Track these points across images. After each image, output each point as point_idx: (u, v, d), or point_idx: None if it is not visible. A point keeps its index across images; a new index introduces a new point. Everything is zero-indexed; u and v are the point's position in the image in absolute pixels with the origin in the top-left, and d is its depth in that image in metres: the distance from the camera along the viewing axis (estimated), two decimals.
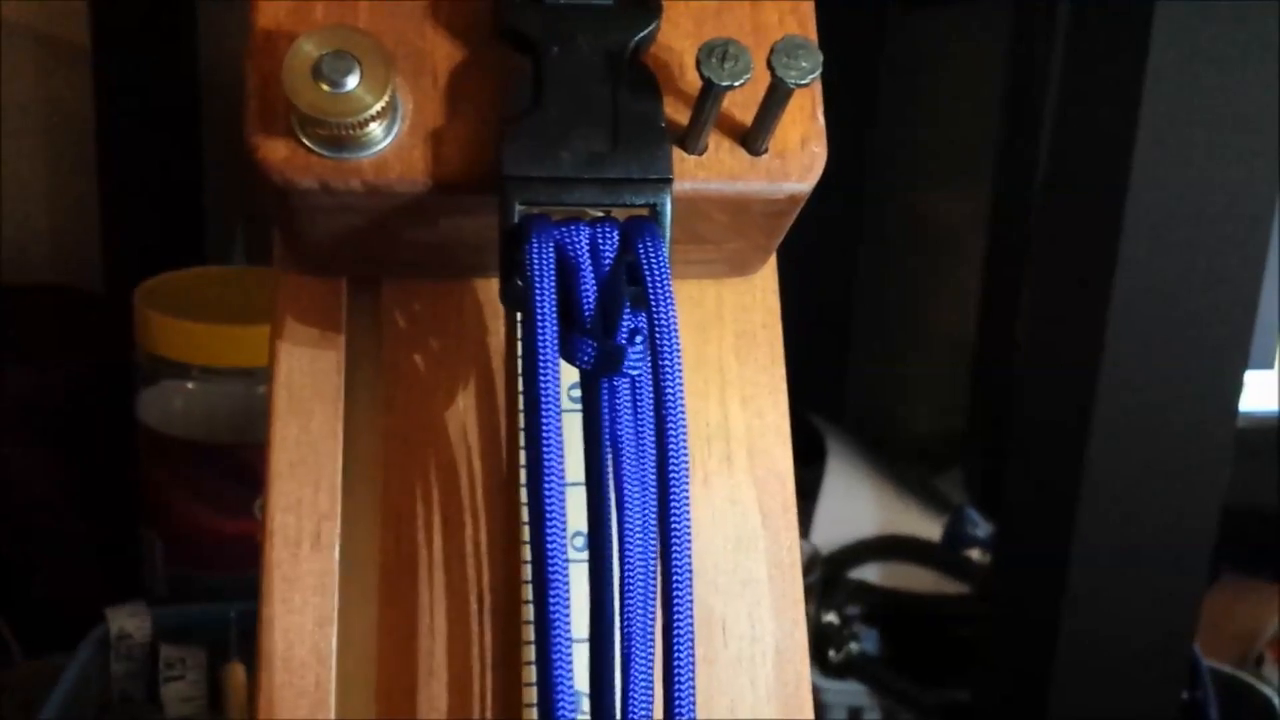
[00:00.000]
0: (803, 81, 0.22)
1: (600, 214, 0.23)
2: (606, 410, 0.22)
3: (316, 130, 0.22)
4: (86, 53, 0.80)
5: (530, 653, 0.24)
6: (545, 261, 0.22)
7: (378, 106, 0.22)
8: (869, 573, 0.73)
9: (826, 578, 0.71)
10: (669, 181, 0.23)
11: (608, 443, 0.22)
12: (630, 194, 0.22)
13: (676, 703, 0.21)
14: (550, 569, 0.21)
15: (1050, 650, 0.53)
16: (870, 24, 0.88)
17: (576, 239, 0.22)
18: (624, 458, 0.22)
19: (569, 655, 0.21)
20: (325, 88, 0.22)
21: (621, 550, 0.22)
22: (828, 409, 0.87)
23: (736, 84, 0.22)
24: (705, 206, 0.24)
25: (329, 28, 0.22)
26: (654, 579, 0.22)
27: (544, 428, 0.21)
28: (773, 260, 0.27)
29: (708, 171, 0.23)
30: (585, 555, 0.23)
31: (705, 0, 0.24)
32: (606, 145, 0.22)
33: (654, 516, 0.22)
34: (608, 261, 0.22)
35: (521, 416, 0.22)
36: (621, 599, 0.22)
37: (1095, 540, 0.52)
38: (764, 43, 0.23)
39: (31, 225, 0.85)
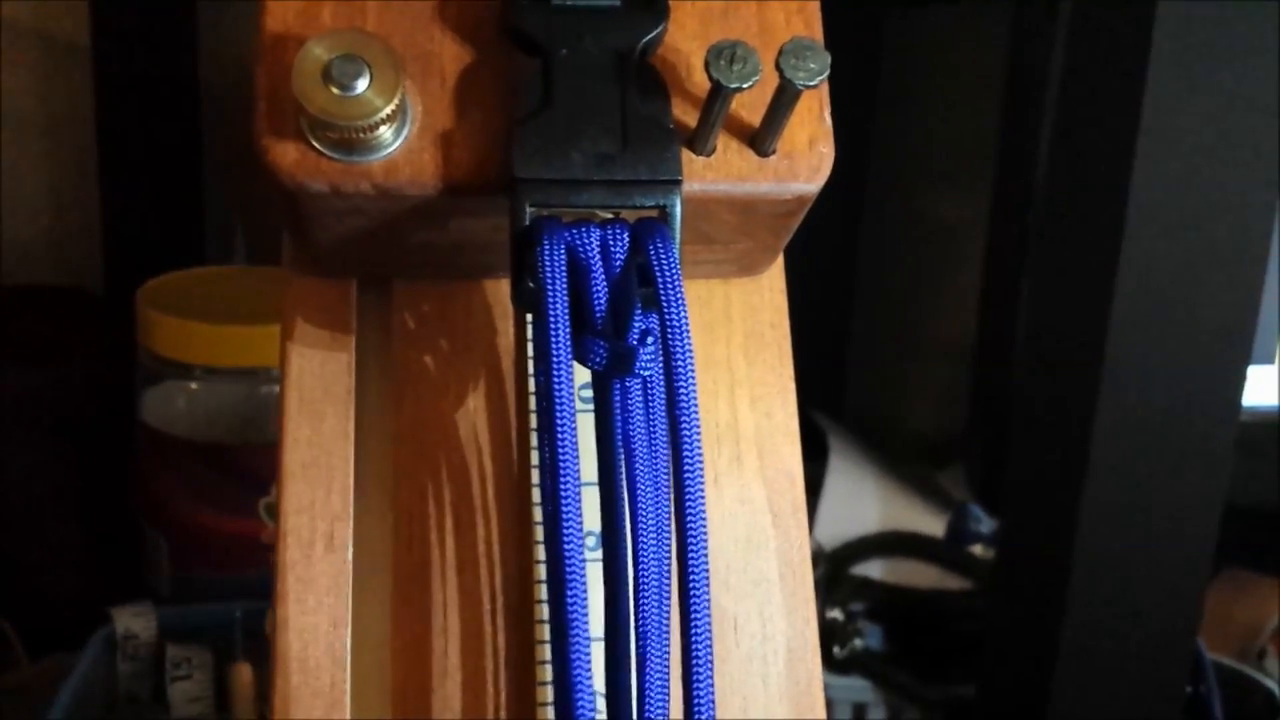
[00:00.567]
0: (811, 83, 0.22)
1: (610, 215, 0.23)
2: (619, 411, 0.23)
3: (326, 133, 0.22)
4: (86, 53, 0.80)
5: (544, 652, 0.25)
6: (557, 263, 0.22)
7: (387, 110, 0.22)
8: (872, 569, 0.73)
9: (830, 574, 0.71)
10: (678, 183, 0.23)
11: (620, 443, 0.23)
12: (640, 195, 0.23)
13: (696, 702, 0.21)
14: (568, 568, 0.21)
15: (1053, 645, 0.53)
16: (870, 24, 0.88)
17: (587, 240, 0.22)
18: (636, 458, 0.22)
19: (588, 655, 0.21)
20: (335, 91, 0.22)
21: (636, 550, 0.22)
22: (828, 407, 0.87)
23: (745, 86, 0.22)
24: (714, 207, 0.24)
25: (338, 31, 0.22)
26: (668, 578, 0.22)
27: (559, 428, 0.21)
28: (780, 260, 0.28)
29: (716, 173, 0.24)
30: (599, 555, 0.23)
31: (711, 1, 0.24)
32: (615, 147, 0.23)
33: (667, 516, 0.22)
34: (618, 263, 0.22)
35: (534, 417, 0.22)
36: (636, 598, 0.22)
37: (1098, 535, 0.52)
38: (771, 44, 0.23)
39: (32, 225, 0.85)
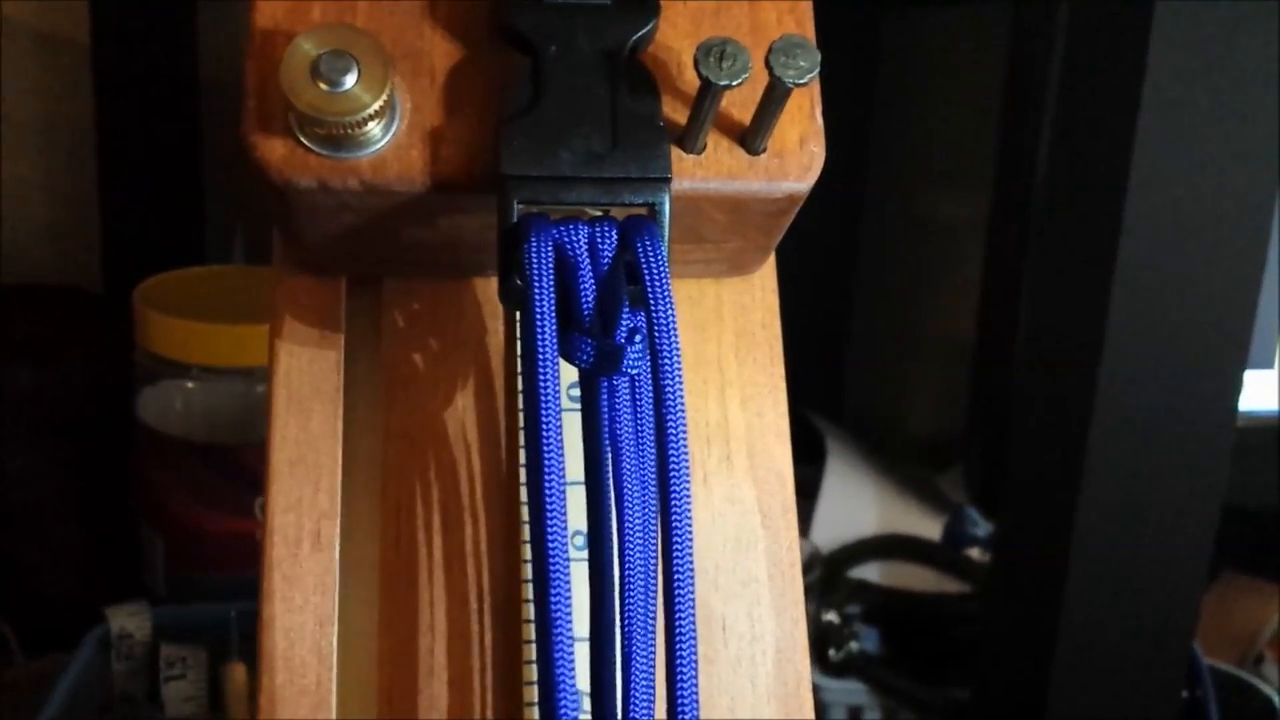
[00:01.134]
0: (801, 81, 0.22)
1: (599, 213, 0.23)
2: (606, 409, 0.22)
3: (315, 129, 0.22)
4: (86, 52, 0.80)
5: (531, 652, 0.24)
6: (544, 260, 0.22)
7: (376, 106, 0.22)
8: (869, 572, 0.73)
9: (826, 577, 0.71)
10: (667, 181, 0.23)
11: (607, 442, 0.22)
12: (629, 193, 0.22)
13: (680, 702, 0.21)
14: (551, 568, 0.21)
15: (1050, 649, 0.53)
16: (869, 24, 0.88)
17: (575, 238, 0.22)
18: (623, 457, 0.22)
19: (571, 654, 0.21)
20: (323, 87, 0.22)
21: (621, 549, 0.22)
22: (827, 408, 0.87)
23: (735, 83, 0.22)
24: (704, 206, 0.24)
25: (327, 27, 0.22)
26: (654, 578, 0.22)
27: (544, 426, 0.21)
28: (772, 260, 0.27)
29: (706, 171, 0.24)
30: (585, 554, 0.23)
31: (703, 0, 0.24)
32: (605, 144, 0.22)
33: (654, 515, 0.22)
34: (606, 260, 0.22)
35: (521, 416, 0.22)
36: (622, 598, 0.22)
37: (1095, 539, 0.52)
38: (762, 42, 0.23)
39: (31, 224, 0.85)
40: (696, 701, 0.21)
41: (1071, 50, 0.52)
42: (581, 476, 0.23)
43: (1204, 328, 0.50)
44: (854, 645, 0.66)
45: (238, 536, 0.62)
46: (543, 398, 0.21)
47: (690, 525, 0.22)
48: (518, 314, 0.23)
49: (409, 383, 0.26)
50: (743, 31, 0.24)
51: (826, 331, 0.93)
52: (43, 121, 0.84)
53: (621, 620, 0.22)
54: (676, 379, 0.22)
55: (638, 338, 0.22)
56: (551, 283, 0.22)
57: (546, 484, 0.21)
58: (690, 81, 0.23)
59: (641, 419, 0.23)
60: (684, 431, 0.22)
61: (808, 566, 0.69)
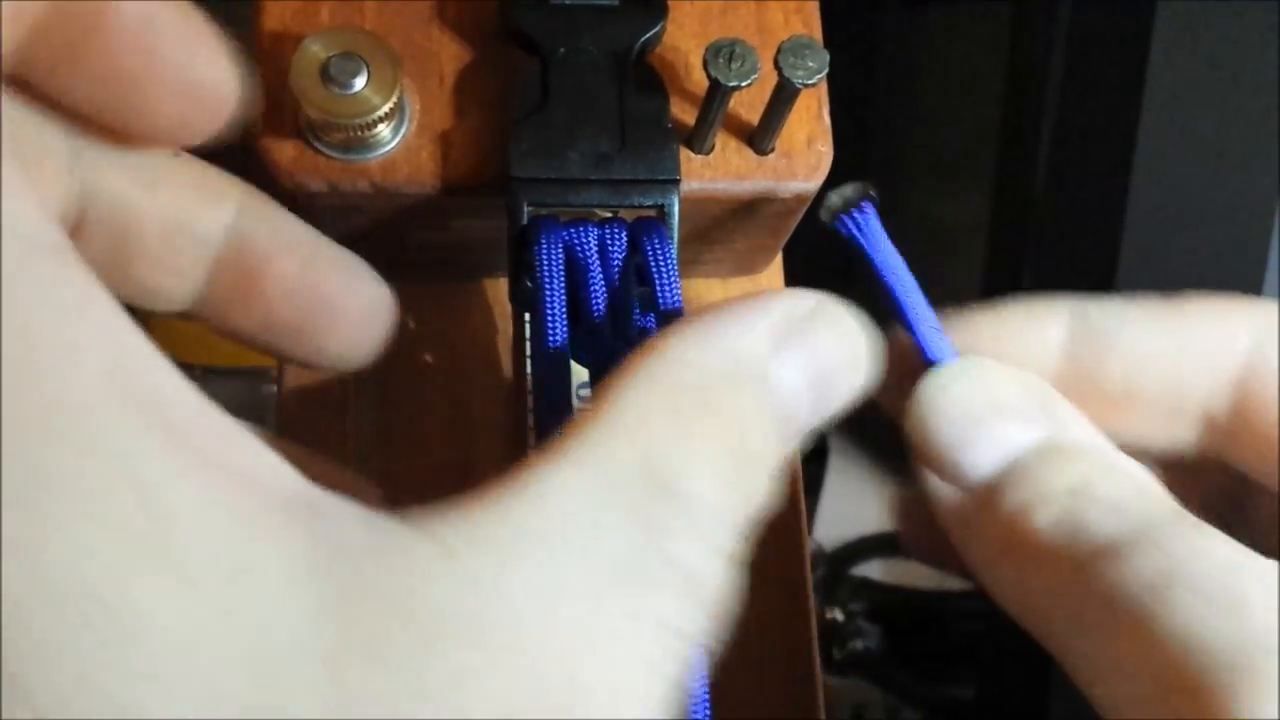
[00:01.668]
0: (810, 81, 0.22)
1: (608, 214, 0.23)
2: None
3: (324, 132, 0.22)
4: None
5: None
6: (555, 262, 0.22)
7: (385, 108, 0.22)
8: (872, 569, 0.73)
9: (829, 574, 0.71)
10: (676, 182, 0.23)
11: None
12: (638, 195, 0.23)
13: (689, 701, 0.21)
14: None
15: None
16: (869, 24, 0.88)
17: (585, 240, 0.22)
18: None
19: None
20: (333, 89, 0.22)
21: None
22: None
23: (743, 84, 0.22)
24: (712, 206, 0.24)
25: (336, 29, 0.22)
26: None
27: (554, 428, 0.21)
28: (779, 260, 0.28)
29: (715, 171, 0.24)
30: None
31: (710, 0, 0.24)
32: (614, 146, 0.22)
33: None
34: (616, 262, 0.22)
35: (531, 417, 0.22)
36: None
37: None
38: (770, 43, 0.23)
39: None
40: (707, 701, 0.21)
41: (1071, 50, 0.53)
42: None
43: None
44: (857, 643, 0.66)
45: None
46: (553, 399, 0.21)
47: None
48: (528, 316, 0.23)
49: (419, 385, 0.26)
50: (750, 32, 0.24)
51: None
52: None
53: None
54: None
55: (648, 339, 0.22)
56: (562, 284, 0.22)
57: None
58: (698, 82, 0.23)
59: None
60: None
61: (811, 564, 0.69)
